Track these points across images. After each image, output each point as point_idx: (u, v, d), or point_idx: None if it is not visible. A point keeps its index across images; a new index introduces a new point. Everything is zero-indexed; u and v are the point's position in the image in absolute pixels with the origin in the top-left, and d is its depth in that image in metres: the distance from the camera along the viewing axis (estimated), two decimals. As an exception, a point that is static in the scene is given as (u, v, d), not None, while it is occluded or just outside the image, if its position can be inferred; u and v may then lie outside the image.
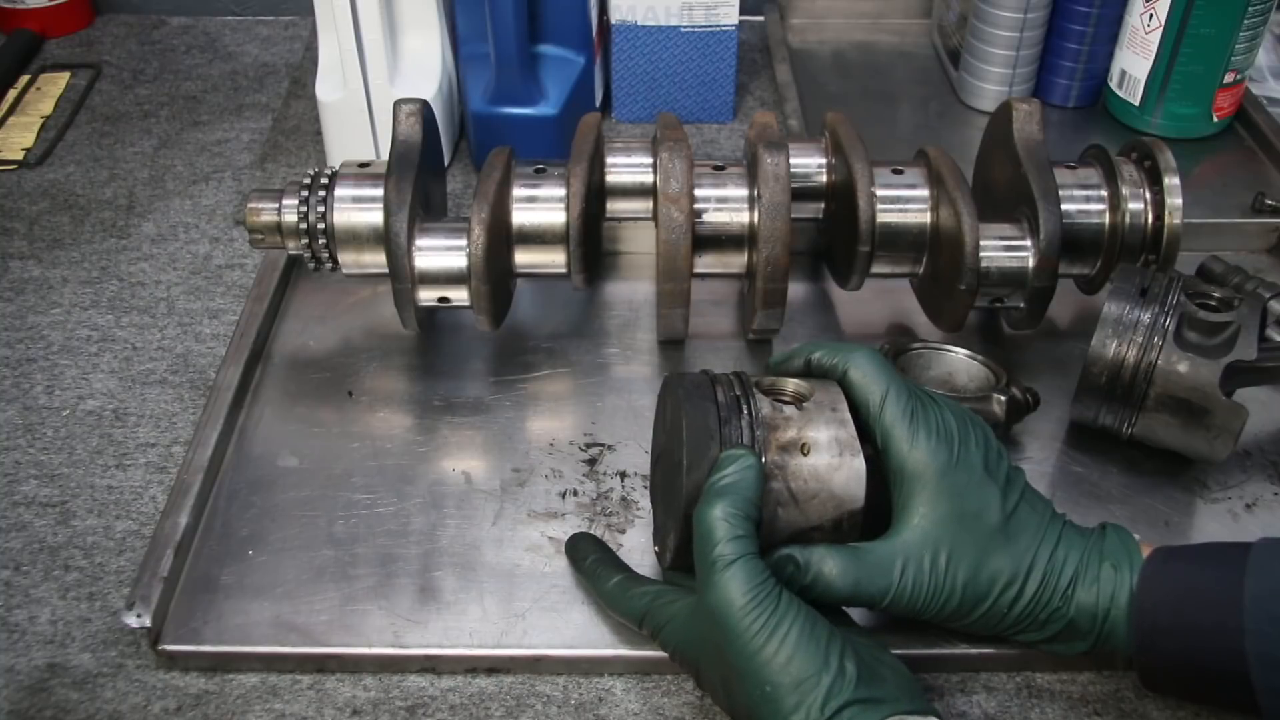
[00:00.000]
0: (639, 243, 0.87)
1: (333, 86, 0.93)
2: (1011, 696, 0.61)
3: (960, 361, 0.75)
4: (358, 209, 0.73)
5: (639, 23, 0.99)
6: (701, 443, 0.56)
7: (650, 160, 0.77)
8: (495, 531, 0.68)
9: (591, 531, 0.67)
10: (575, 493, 0.70)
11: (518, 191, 0.74)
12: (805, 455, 0.56)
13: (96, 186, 0.97)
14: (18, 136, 1.03)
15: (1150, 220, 0.75)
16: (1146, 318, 0.66)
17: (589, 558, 0.63)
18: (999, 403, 0.69)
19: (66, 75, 1.12)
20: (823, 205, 0.81)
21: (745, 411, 0.57)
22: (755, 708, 0.51)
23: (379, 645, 0.62)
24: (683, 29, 1.00)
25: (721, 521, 0.53)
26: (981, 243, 0.71)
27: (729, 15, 0.99)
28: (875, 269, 0.76)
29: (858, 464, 0.56)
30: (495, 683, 0.61)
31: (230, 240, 0.91)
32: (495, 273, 0.72)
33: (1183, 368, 0.65)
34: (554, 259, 0.75)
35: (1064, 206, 0.73)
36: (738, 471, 0.54)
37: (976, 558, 0.56)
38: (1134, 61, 1.00)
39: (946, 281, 0.73)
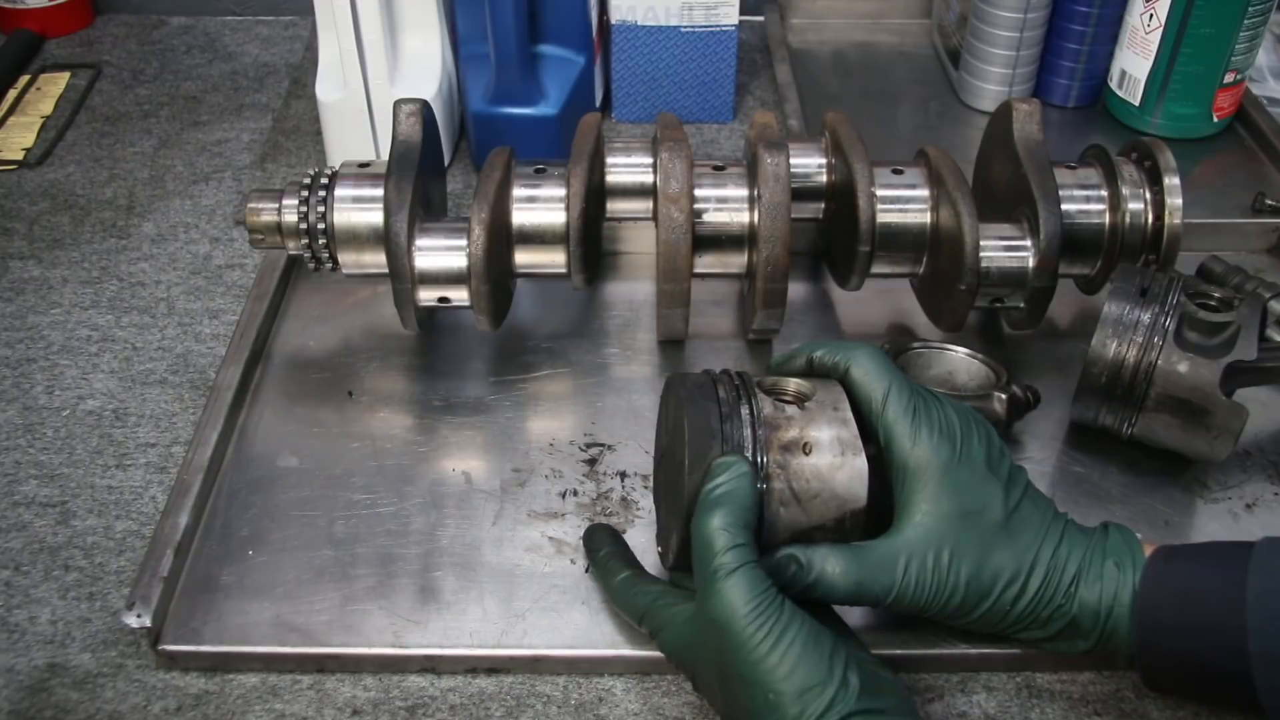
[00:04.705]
0: (639, 243, 0.87)
1: (333, 86, 0.92)
2: (1011, 696, 0.61)
3: (960, 360, 0.75)
4: (358, 209, 0.73)
5: (639, 23, 0.99)
6: (703, 443, 0.56)
7: (650, 160, 0.77)
8: (495, 531, 0.68)
9: (594, 531, 0.67)
10: (575, 493, 0.70)
11: (518, 191, 0.74)
12: (807, 455, 0.56)
13: (96, 186, 0.97)
14: (18, 136, 1.03)
15: (1150, 220, 0.75)
16: (1146, 318, 0.66)
17: (602, 549, 0.63)
18: (1000, 401, 0.69)
19: (66, 75, 1.12)
20: (823, 205, 0.81)
21: (747, 411, 0.57)
22: (756, 715, 0.51)
23: (379, 645, 0.62)
24: (683, 29, 1.00)
25: (720, 531, 0.52)
26: (981, 243, 0.71)
27: (729, 15, 0.99)
28: (875, 269, 0.76)
29: (860, 463, 0.56)
30: (495, 683, 0.61)
31: (230, 240, 0.91)
32: (495, 273, 0.72)
33: (1183, 368, 0.65)
34: (554, 259, 0.75)
35: (1064, 206, 0.73)
36: (731, 479, 0.54)
37: (979, 555, 0.56)
38: (1134, 61, 1.00)
39: (946, 281, 0.73)
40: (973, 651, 0.61)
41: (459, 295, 0.73)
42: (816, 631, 0.52)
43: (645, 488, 0.70)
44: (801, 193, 0.79)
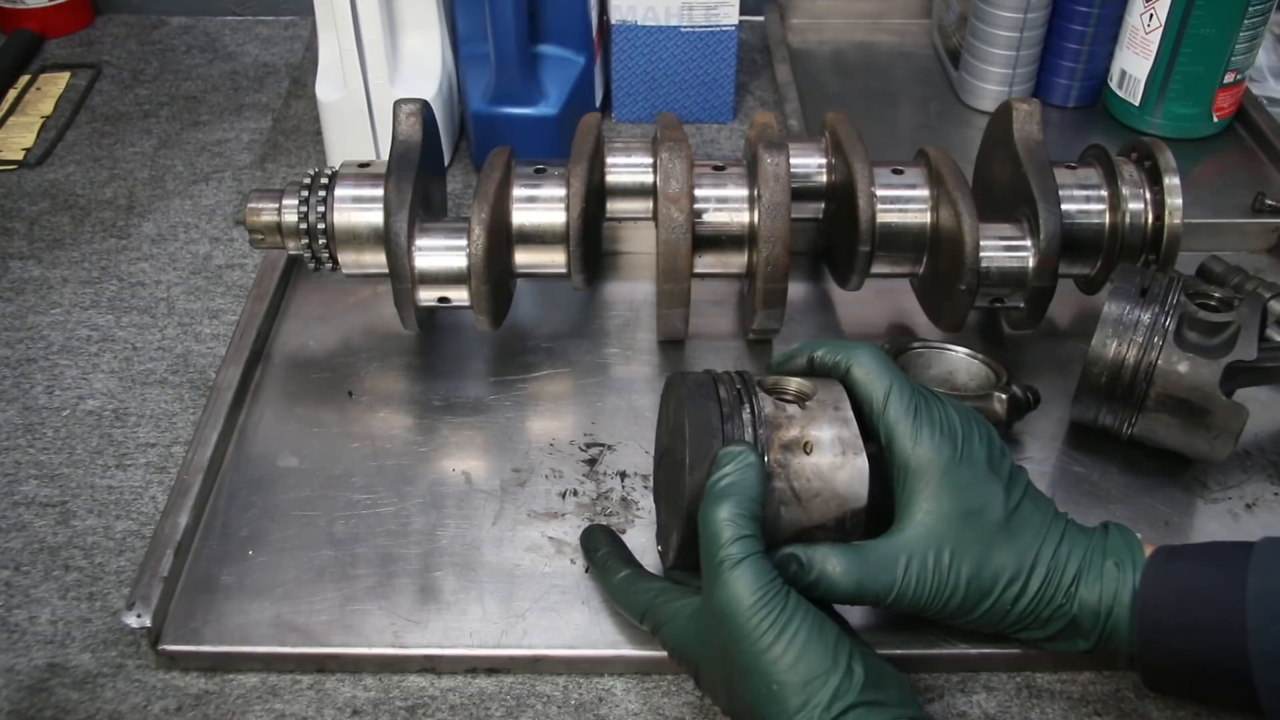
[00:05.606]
0: (639, 243, 0.87)
1: (333, 86, 0.93)
2: (1011, 696, 0.61)
3: (961, 360, 0.75)
4: (358, 209, 0.73)
5: (639, 23, 0.99)
6: (704, 442, 0.56)
7: (650, 160, 0.77)
8: (495, 531, 0.68)
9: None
10: (575, 493, 0.70)
11: (518, 191, 0.74)
12: (808, 454, 0.56)
13: (96, 186, 0.97)
14: (18, 136, 1.03)
15: (1150, 220, 0.75)
16: (1146, 318, 0.66)
17: (600, 550, 0.64)
18: (1000, 401, 0.69)
19: (66, 75, 1.12)
20: (823, 205, 0.81)
21: (748, 410, 0.57)
22: (760, 706, 0.51)
23: (379, 645, 0.62)
24: (683, 29, 1.00)
25: (727, 523, 0.53)
26: (981, 243, 0.71)
27: (729, 15, 0.99)
28: (875, 269, 0.76)
29: (860, 463, 0.56)
30: (495, 683, 0.61)
31: (230, 240, 0.91)
32: (495, 273, 0.72)
33: (1183, 368, 0.65)
34: (554, 259, 0.75)
35: (1064, 206, 0.73)
36: (738, 470, 0.54)
37: (980, 554, 0.56)
38: (1134, 61, 1.00)
39: (946, 281, 0.73)
40: (973, 651, 0.61)
41: (459, 295, 0.73)
42: (821, 622, 0.52)
43: (645, 488, 0.70)
44: (801, 193, 0.79)
